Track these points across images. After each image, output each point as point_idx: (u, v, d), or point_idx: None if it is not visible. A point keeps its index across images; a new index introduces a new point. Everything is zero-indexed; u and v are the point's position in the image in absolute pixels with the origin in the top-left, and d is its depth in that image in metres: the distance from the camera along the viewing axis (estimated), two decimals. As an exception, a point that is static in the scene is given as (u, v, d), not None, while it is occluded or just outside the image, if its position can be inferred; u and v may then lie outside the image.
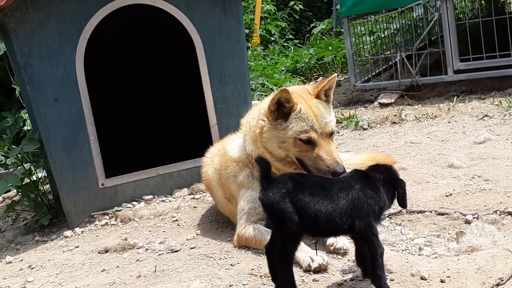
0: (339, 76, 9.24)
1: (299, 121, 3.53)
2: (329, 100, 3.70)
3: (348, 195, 2.86)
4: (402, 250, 3.37)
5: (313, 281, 3.11)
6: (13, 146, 4.89)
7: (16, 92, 6.82)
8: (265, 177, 2.85)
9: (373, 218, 2.85)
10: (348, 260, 3.30)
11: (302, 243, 3.40)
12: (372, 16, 8.55)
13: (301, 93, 3.66)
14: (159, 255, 3.86)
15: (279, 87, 5.37)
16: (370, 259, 2.84)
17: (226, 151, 4.00)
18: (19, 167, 4.99)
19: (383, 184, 2.96)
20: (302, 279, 3.13)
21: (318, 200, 2.81)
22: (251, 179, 3.78)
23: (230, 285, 3.20)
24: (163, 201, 4.84)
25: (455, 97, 6.76)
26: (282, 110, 3.55)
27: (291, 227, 2.77)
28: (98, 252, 4.10)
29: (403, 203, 3.02)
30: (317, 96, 3.64)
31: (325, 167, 3.45)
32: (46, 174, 5.22)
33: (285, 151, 3.59)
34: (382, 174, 3.00)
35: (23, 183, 4.83)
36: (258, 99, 7.13)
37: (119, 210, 4.74)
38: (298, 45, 12.18)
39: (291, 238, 2.81)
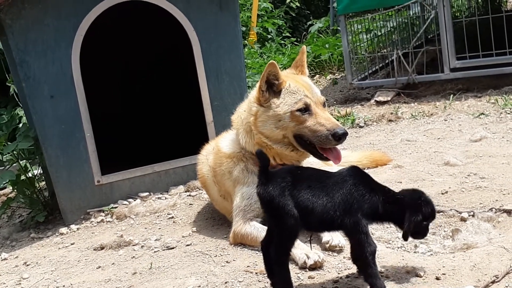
0: (336, 74, 9.24)
1: (292, 93, 3.59)
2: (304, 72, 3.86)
3: (342, 190, 2.84)
4: (398, 248, 3.37)
5: (308, 278, 3.11)
6: (8, 143, 4.88)
7: (11, 90, 6.79)
8: (264, 171, 2.84)
9: (362, 216, 2.81)
10: (344, 258, 3.30)
11: (298, 240, 3.41)
12: (369, 14, 8.55)
13: (287, 74, 3.78)
14: (154, 252, 3.86)
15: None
16: (361, 258, 2.80)
17: (220, 148, 4.00)
18: (14, 164, 4.98)
19: (394, 202, 2.88)
20: (298, 276, 3.13)
21: (315, 193, 2.81)
22: (246, 174, 3.78)
23: (226, 282, 3.20)
24: (159, 198, 4.83)
25: (452, 95, 6.77)
26: (272, 90, 3.60)
27: (290, 221, 2.75)
28: (94, 249, 4.09)
29: (405, 235, 2.90)
30: (302, 73, 3.80)
31: (325, 130, 3.47)
32: (41, 171, 5.20)
33: (283, 131, 3.60)
34: (406, 195, 2.91)
35: (19, 180, 4.82)
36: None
37: (115, 207, 4.73)
38: (295, 43, 12.16)
39: (289, 233, 2.79)
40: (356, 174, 2.93)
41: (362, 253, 2.79)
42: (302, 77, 3.76)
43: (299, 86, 3.62)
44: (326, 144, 3.50)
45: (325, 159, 3.60)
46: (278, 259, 2.82)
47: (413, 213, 2.85)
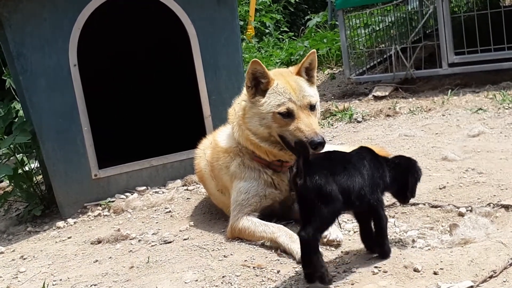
0: (334, 69, 9.23)
1: (277, 95, 3.57)
2: (312, 81, 3.75)
3: (364, 168, 3.03)
4: (396, 242, 3.36)
5: (306, 272, 3.10)
6: (5, 137, 4.86)
7: (7, 83, 6.77)
8: (306, 161, 2.88)
9: (380, 191, 3.09)
10: (342, 252, 3.30)
11: (295, 234, 3.41)
12: (367, 8, 8.53)
13: (282, 72, 3.75)
14: (152, 246, 3.85)
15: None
16: (378, 230, 3.10)
17: (217, 142, 3.99)
18: (11, 158, 4.96)
19: (394, 168, 3.18)
20: (296, 271, 3.13)
21: (350, 174, 2.95)
22: (243, 168, 3.77)
23: (223, 276, 3.19)
24: (156, 192, 4.83)
25: (450, 91, 6.76)
26: (260, 87, 3.59)
27: (336, 206, 2.85)
28: (91, 243, 4.09)
29: (411, 192, 3.22)
30: (298, 74, 3.70)
31: (304, 138, 3.44)
32: (38, 165, 5.19)
33: (267, 129, 3.60)
34: (399, 160, 3.25)
35: (16, 174, 4.80)
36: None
37: (112, 201, 4.73)
38: (293, 37, 12.14)
39: (332, 216, 2.89)
40: (368, 152, 3.16)
41: (382, 226, 3.09)
42: (296, 78, 3.68)
43: (287, 87, 3.58)
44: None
45: None
46: (313, 241, 2.85)
47: (412, 175, 3.21)
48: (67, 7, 4.53)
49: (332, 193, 2.84)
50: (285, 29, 12.97)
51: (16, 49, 4.41)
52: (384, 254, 3.12)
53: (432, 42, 7.43)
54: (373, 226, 3.14)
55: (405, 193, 3.23)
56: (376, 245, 3.15)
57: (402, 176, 3.19)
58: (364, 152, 3.15)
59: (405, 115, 6.31)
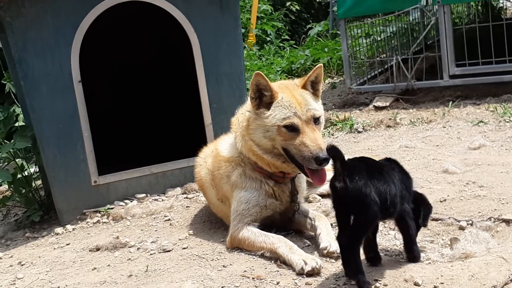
0: (335, 79, 9.24)
1: (282, 108, 3.55)
2: (317, 94, 3.72)
3: (396, 178, 3.07)
4: (396, 255, 3.35)
5: (305, 284, 3.09)
6: (5, 141, 4.85)
7: (6, 88, 6.75)
8: (344, 165, 2.91)
9: (406, 201, 3.15)
10: (342, 264, 3.28)
11: (295, 246, 3.40)
12: (368, 18, 8.54)
13: (287, 84, 3.73)
14: (151, 254, 3.83)
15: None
16: (408, 237, 3.18)
17: (218, 151, 3.98)
18: (11, 162, 4.94)
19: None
20: (295, 282, 3.12)
21: (386, 180, 2.97)
22: (244, 178, 3.76)
23: (222, 287, 3.18)
24: (155, 200, 4.80)
25: (450, 102, 6.76)
26: (264, 100, 3.58)
27: (374, 209, 2.87)
28: (89, 250, 4.06)
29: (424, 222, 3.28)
30: (304, 87, 3.67)
31: (309, 153, 3.43)
32: (37, 170, 5.17)
33: (271, 141, 3.58)
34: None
35: (15, 179, 4.78)
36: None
37: (111, 208, 4.70)
38: (294, 46, 12.15)
39: (372, 220, 2.93)
40: (395, 163, 3.23)
41: (412, 234, 3.17)
42: (301, 91, 3.65)
43: (292, 101, 3.56)
44: (309, 165, 3.48)
45: (309, 178, 3.59)
46: (353, 247, 2.89)
47: (427, 205, 3.34)
48: (70, 13, 4.52)
49: (372, 196, 2.86)
50: (286, 37, 12.98)
51: (18, 54, 4.40)
52: (414, 258, 3.22)
53: (433, 53, 7.44)
54: (401, 234, 3.23)
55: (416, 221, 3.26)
56: (406, 251, 3.24)
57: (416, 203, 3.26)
58: (392, 164, 3.21)
59: (405, 126, 6.31)
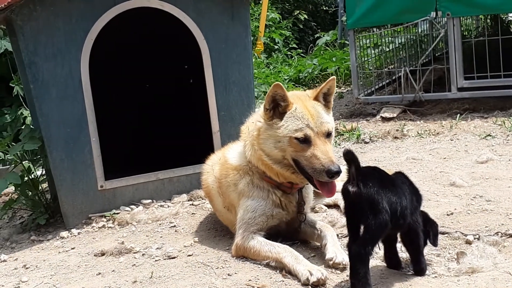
0: (342, 88, 9.24)
1: (295, 119, 3.53)
2: (329, 106, 3.70)
3: (407, 190, 3.10)
4: (401, 268, 3.34)
5: (311, 295, 3.08)
6: (13, 144, 4.85)
7: (14, 91, 6.78)
8: (358, 170, 2.92)
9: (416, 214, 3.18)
10: (347, 276, 3.27)
11: (301, 256, 3.39)
12: (377, 29, 8.55)
13: (300, 95, 3.71)
14: (155, 261, 3.82)
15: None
16: (415, 248, 3.19)
17: (226, 159, 3.97)
18: (18, 165, 4.95)
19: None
20: (300, 293, 3.11)
21: (397, 191, 3.01)
22: (251, 187, 3.75)
23: (227, 296, 3.17)
24: (161, 206, 4.80)
25: (458, 115, 6.75)
26: (278, 110, 3.57)
27: (384, 217, 2.88)
28: (94, 255, 4.06)
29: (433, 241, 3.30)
30: (316, 99, 3.65)
31: (320, 166, 3.42)
32: (44, 173, 5.18)
33: (281, 152, 3.57)
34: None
35: (22, 181, 4.78)
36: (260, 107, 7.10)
37: (117, 213, 4.71)
38: (301, 54, 12.18)
39: (382, 228, 2.91)
40: (406, 177, 3.26)
41: (420, 245, 3.19)
42: (314, 103, 3.62)
43: (305, 113, 3.54)
44: (319, 178, 3.46)
45: (318, 189, 3.58)
46: (363, 256, 2.89)
47: (433, 223, 3.35)
48: (81, 18, 4.53)
49: (383, 203, 2.88)
50: (294, 45, 13.01)
51: (28, 58, 4.42)
52: (421, 271, 3.22)
53: (441, 65, 7.44)
54: (408, 247, 3.25)
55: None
56: (413, 262, 3.25)
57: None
58: (403, 177, 3.24)
59: (413, 138, 6.30)
